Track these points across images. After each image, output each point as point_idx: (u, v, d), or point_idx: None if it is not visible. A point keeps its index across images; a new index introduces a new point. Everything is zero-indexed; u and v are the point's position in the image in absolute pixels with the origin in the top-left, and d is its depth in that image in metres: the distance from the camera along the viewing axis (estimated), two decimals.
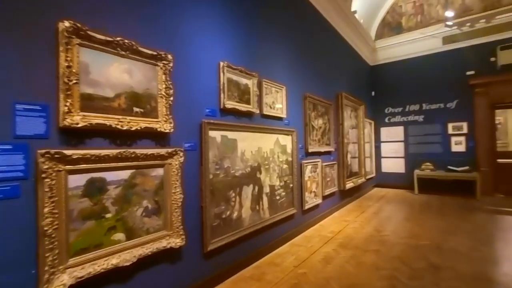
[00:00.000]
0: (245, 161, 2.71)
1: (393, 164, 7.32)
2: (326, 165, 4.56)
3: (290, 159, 3.52)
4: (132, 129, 1.70)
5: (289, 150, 3.50)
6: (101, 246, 1.57)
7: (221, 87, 2.49)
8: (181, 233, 1.98)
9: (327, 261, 2.87)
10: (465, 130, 6.35)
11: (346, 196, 5.45)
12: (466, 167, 6.10)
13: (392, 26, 7.35)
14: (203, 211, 2.24)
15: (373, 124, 7.41)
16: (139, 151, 1.74)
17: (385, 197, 6.27)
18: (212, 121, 2.34)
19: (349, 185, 5.29)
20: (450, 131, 6.52)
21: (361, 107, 6.24)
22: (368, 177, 6.62)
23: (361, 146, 6.16)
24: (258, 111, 2.94)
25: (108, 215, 1.61)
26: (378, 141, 7.56)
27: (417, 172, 6.57)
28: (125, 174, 1.70)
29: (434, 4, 6.72)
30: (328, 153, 4.72)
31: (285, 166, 3.41)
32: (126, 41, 1.68)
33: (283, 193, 3.35)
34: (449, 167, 6.27)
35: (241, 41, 2.83)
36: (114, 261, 1.60)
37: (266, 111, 3.10)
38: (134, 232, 1.74)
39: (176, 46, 2.09)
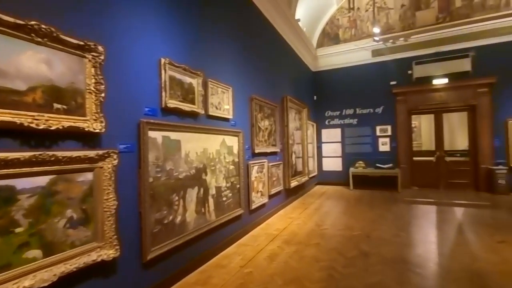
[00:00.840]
0: (189, 162, 2.62)
1: (333, 163, 7.99)
2: (272, 165, 4.71)
3: (236, 160, 3.53)
4: (52, 128, 1.48)
5: (235, 151, 3.52)
6: (9, 267, 1.32)
7: (163, 85, 2.36)
8: (115, 243, 1.80)
9: (272, 258, 2.96)
10: (389, 132, 7.32)
11: (291, 194, 5.73)
12: (390, 164, 7.03)
13: (331, 36, 8.03)
14: (142, 218, 2.08)
15: (315, 126, 7.97)
16: (60, 153, 1.53)
17: (325, 194, 6.79)
18: (152, 120, 2.19)
19: (293, 183, 5.57)
20: (378, 133, 7.44)
21: (305, 110, 6.65)
22: (311, 175, 7.09)
23: (304, 146, 6.56)
24: (203, 112, 2.87)
25: (19, 230, 1.37)
26: (319, 142, 8.16)
27: (352, 170, 7.30)
28: (42, 181, 1.47)
29: (365, 20, 7.57)
30: (274, 153, 4.89)
31: (231, 167, 3.41)
32: (43, 26, 1.45)
33: (230, 194, 3.34)
34: (377, 164, 7.14)
35: (186, 39, 2.73)
36: (27, 283, 1.36)
37: (212, 111, 3.06)
38: (55, 247, 1.52)
39: (109, 38, 1.90)
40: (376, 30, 6.44)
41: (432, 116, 7.27)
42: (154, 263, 2.19)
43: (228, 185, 3.30)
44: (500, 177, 6.14)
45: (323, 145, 8.15)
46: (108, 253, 1.76)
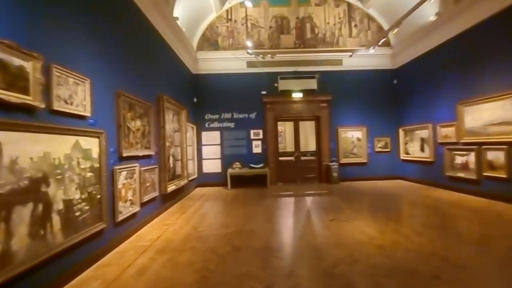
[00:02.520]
0: (18, 172, 1.97)
1: (212, 165, 8.23)
2: (145, 169, 4.31)
3: (97, 165, 2.98)
4: None
5: (95, 154, 2.96)
6: None
7: None
8: None
9: (141, 272, 2.68)
10: (261, 136, 8.31)
11: (168, 199, 5.43)
12: (262, 164, 7.98)
13: (211, 42, 8.28)
14: None
15: (195, 129, 7.95)
16: None
17: (205, 196, 6.88)
18: None
19: (171, 188, 5.31)
20: (252, 136, 8.29)
21: (184, 112, 6.50)
22: (190, 178, 7.00)
23: (183, 149, 6.40)
24: (43, 105, 2.24)
25: None
26: (200, 144, 8.20)
27: (230, 170, 7.77)
28: None
29: (241, 33, 8.28)
30: (148, 156, 4.49)
31: (89, 174, 2.85)
32: None
33: (87, 207, 2.78)
34: (251, 165, 7.93)
35: (17, 8, 2.05)
36: None
37: (59, 106, 2.45)
38: None
39: None
40: (249, 43, 7.17)
41: (292, 123, 8.81)
42: None
43: (84, 196, 2.73)
44: (334, 171, 8.19)
45: (204, 148, 8.26)
46: None
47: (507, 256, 2.82)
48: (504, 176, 4.98)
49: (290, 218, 4.56)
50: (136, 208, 3.91)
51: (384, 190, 6.83)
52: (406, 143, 8.18)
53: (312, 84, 8.28)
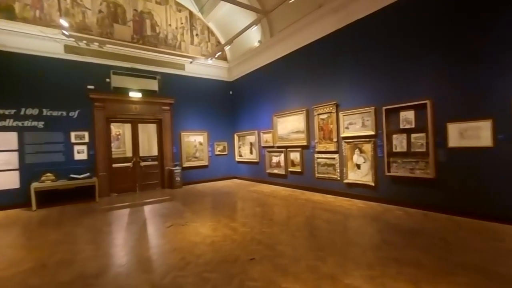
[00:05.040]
0: None
1: (3, 179, 5.80)
2: None
3: None
4: None
5: None
6: None
7: None
8: None
9: None
10: (87, 139, 6.79)
11: None
12: (88, 174, 6.53)
13: (1, 5, 5.87)
14: None
15: None
16: None
17: None
18: None
19: None
20: (73, 139, 6.61)
21: None
22: None
23: None
24: None
25: None
26: None
27: (35, 185, 5.78)
28: None
29: (55, 7, 6.45)
30: None
31: None
32: None
33: None
34: (71, 175, 6.30)
35: None
36: None
37: None
38: None
39: None
40: (64, 22, 5.70)
41: (130, 125, 7.86)
42: None
43: None
44: (177, 175, 8.08)
45: None
46: None
47: (296, 229, 3.79)
48: (299, 170, 6.81)
49: (120, 234, 3.95)
50: None
51: (221, 190, 7.49)
52: (239, 147, 9.43)
53: (153, 85, 7.79)
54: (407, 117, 4.50)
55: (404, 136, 4.56)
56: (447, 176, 4.07)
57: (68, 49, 6.58)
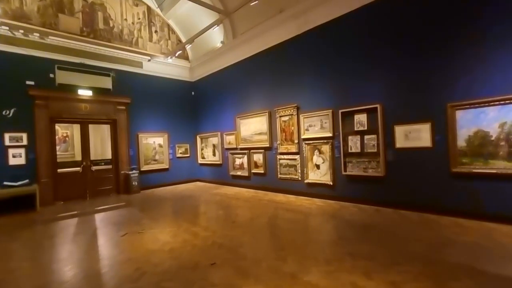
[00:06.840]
0: None
1: None
2: None
3: None
4: None
5: None
6: None
7: None
8: None
9: None
10: (25, 142, 6.00)
11: None
12: (26, 181, 5.77)
13: None
14: None
15: None
16: None
17: None
18: None
19: None
20: (7, 142, 5.78)
21: None
22: None
23: None
24: None
25: None
26: None
27: None
28: None
29: None
30: None
31: None
32: None
33: None
34: (5, 183, 5.51)
35: None
36: None
37: None
38: None
39: None
40: None
41: (79, 126, 7.16)
42: None
43: None
44: (134, 180, 7.57)
45: None
46: None
47: (258, 231, 3.79)
48: (263, 171, 6.86)
49: (65, 246, 3.55)
50: None
51: (183, 194, 7.20)
52: (202, 149, 9.20)
53: (106, 82, 7.21)
54: (361, 120, 4.82)
55: (358, 137, 4.87)
56: (395, 174, 4.44)
57: (1, 39, 5.75)
